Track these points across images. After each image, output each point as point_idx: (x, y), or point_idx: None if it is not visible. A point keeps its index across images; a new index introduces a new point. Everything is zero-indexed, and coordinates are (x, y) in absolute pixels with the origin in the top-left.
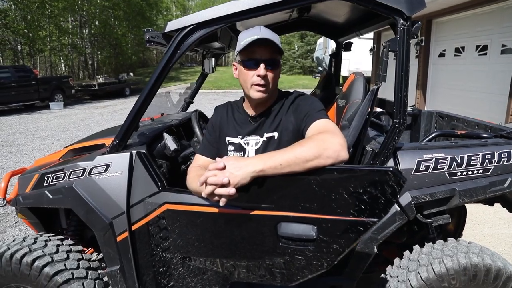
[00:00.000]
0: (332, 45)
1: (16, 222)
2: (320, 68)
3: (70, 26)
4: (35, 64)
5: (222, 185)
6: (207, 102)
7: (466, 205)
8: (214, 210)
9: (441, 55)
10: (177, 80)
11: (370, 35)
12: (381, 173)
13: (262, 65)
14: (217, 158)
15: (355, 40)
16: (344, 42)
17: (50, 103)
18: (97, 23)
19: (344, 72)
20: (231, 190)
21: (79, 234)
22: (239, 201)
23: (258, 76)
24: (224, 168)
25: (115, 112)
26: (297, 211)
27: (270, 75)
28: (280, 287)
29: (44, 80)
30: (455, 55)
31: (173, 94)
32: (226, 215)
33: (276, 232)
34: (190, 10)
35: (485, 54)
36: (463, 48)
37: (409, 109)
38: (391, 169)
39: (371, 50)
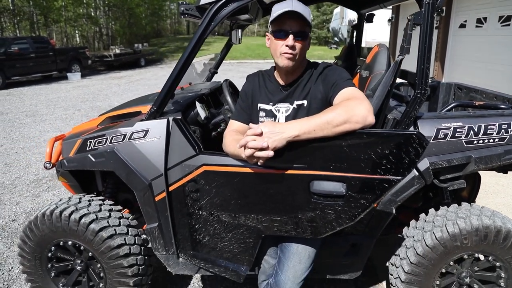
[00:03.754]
0: (349, 15)
1: (48, 187)
2: (336, 38)
3: None
4: (51, 34)
5: (261, 149)
6: (222, 73)
7: (480, 175)
8: (251, 170)
9: (462, 26)
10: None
11: None
12: (406, 136)
13: (291, 36)
14: (251, 124)
15: None
16: (367, 13)
17: (68, 74)
18: None
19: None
20: (270, 153)
21: (114, 197)
22: (276, 162)
23: (287, 46)
24: (261, 133)
25: (132, 82)
26: (328, 170)
27: (298, 45)
28: (309, 239)
29: (61, 51)
30: (476, 26)
31: (197, 64)
32: (263, 174)
33: (309, 189)
34: None
35: (508, 25)
36: (485, 18)
37: None
38: (415, 132)
39: (389, 20)
